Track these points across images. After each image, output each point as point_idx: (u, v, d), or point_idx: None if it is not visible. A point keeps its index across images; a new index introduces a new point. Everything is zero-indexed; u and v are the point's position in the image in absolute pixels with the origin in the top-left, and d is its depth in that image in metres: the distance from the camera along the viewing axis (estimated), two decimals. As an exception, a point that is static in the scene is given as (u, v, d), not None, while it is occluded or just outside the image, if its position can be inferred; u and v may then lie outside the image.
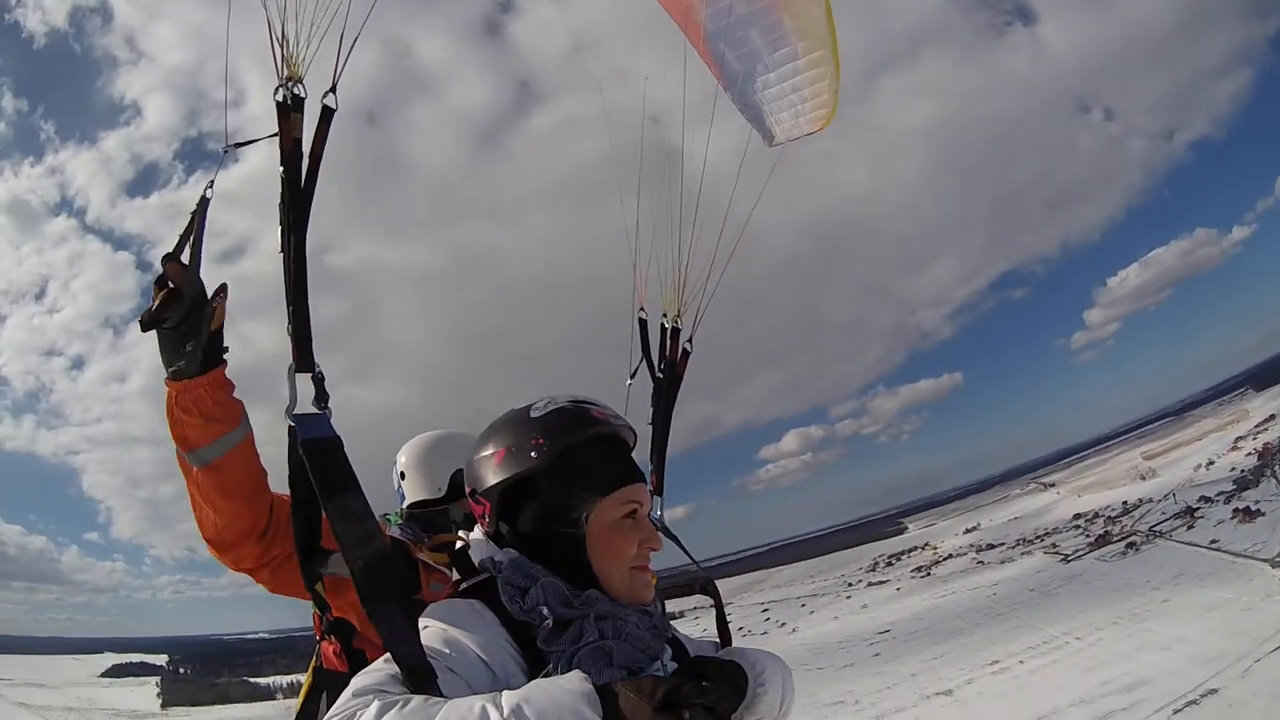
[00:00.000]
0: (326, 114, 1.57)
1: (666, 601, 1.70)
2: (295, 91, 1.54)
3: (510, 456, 1.48)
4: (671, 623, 1.62)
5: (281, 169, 1.53)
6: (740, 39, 2.67)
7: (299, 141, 1.53)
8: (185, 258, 1.68)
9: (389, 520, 2.46)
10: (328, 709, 1.35)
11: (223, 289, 1.72)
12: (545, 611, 1.35)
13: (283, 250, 1.52)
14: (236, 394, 1.83)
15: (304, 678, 2.20)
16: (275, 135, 1.54)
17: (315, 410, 1.47)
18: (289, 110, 1.53)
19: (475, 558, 1.55)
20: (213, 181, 1.71)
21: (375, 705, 1.12)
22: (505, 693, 1.15)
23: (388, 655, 1.23)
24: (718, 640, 1.85)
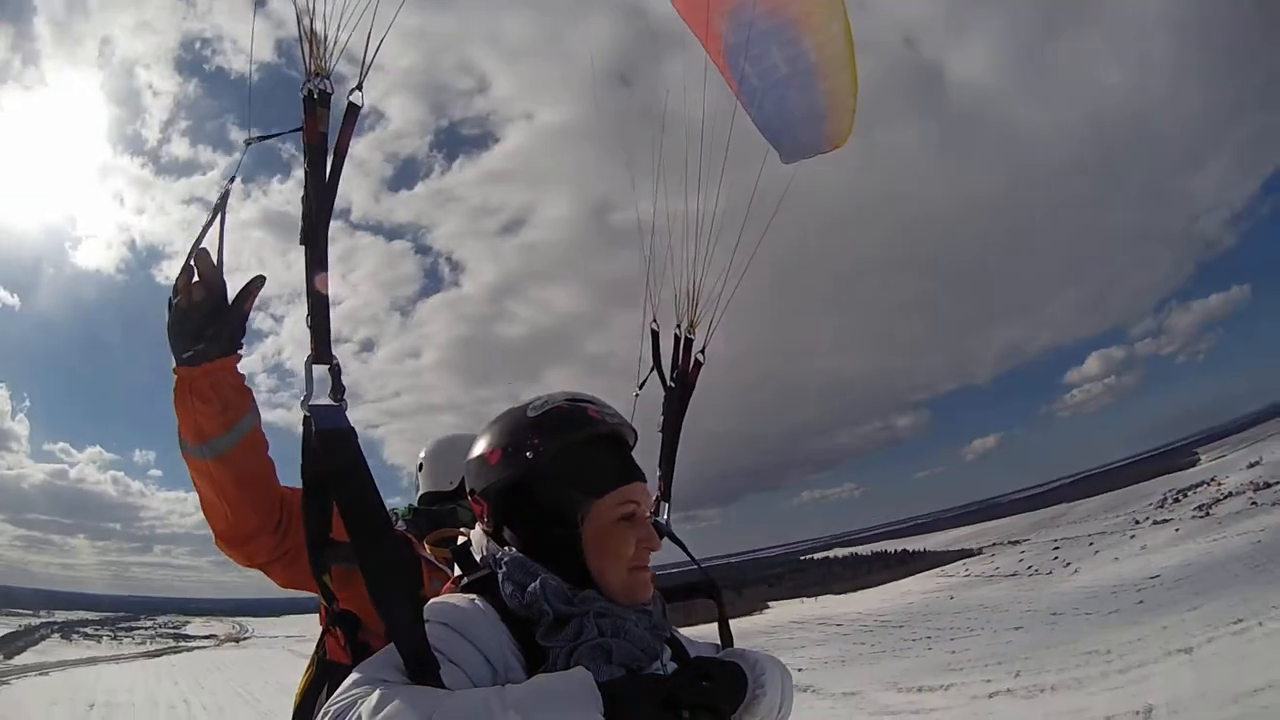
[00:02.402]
0: (352, 110, 1.58)
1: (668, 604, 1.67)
2: (322, 87, 1.55)
3: (507, 457, 1.48)
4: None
5: (305, 163, 1.53)
6: (760, 55, 2.70)
7: (325, 136, 1.53)
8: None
9: (396, 514, 2.47)
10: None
11: (259, 280, 1.73)
12: (545, 607, 1.34)
13: (303, 243, 1.51)
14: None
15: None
16: (299, 130, 1.54)
17: (331, 402, 1.46)
18: (315, 105, 1.54)
19: (476, 555, 1.55)
20: (234, 176, 1.73)
21: (377, 693, 1.11)
22: (508, 686, 1.15)
23: (391, 645, 1.23)
24: (718, 641, 1.85)
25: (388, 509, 2.42)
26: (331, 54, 1.58)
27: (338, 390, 1.47)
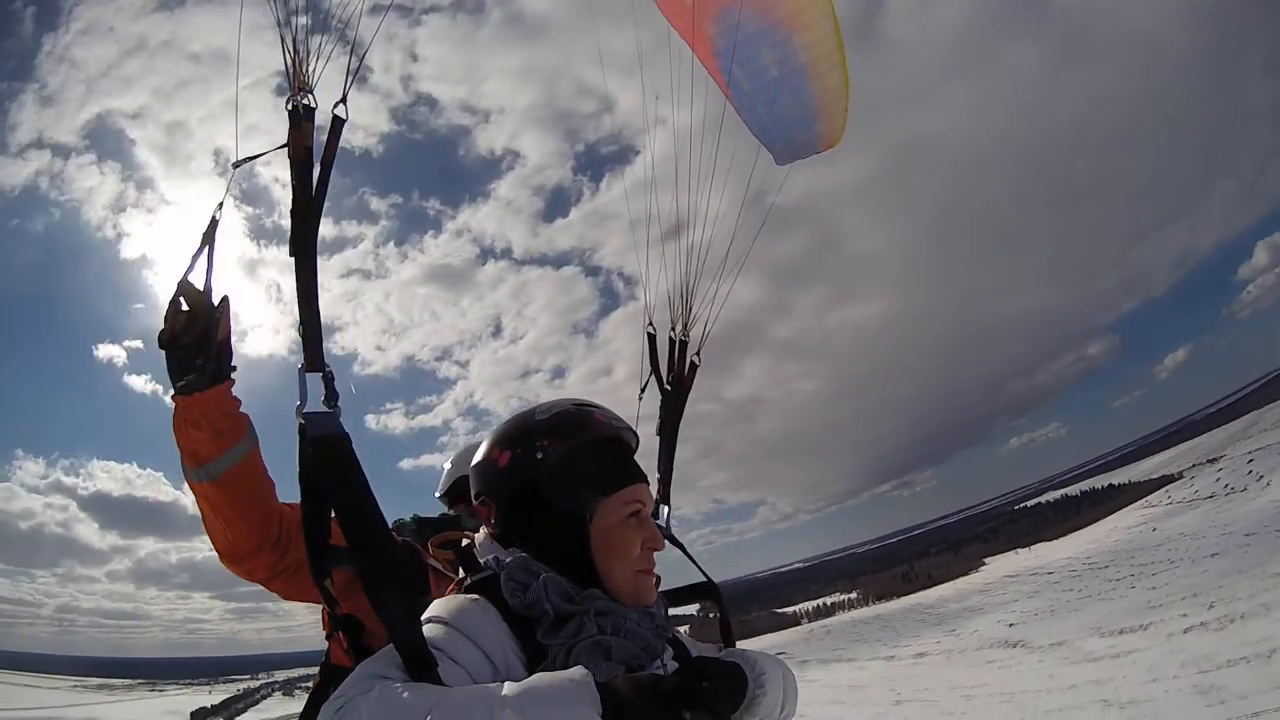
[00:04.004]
0: (337, 124, 1.62)
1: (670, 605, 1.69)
2: (306, 102, 1.59)
3: (516, 459, 1.52)
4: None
5: (292, 176, 1.57)
6: (750, 57, 2.71)
7: (310, 150, 1.57)
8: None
9: (403, 524, 2.50)
10: None
11: (225, 302, 1.76)
12: (546, 606, 1.36)
13: (292, 254, 1.54)
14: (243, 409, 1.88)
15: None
16: (284, 147, 1.58)
17: (325, 409, 1.50)
18: (300, 120, 1.58)
19: (480, 558, 1.56)
20: (222, 203, 1.75)
21: (377, 690, 1.13)
22: (507, 683, 1.15)
23: (390, 644, 1.24)
24: (720, 643, 1.85)
25: (389, 523, 2.48)
26: (315, 69, 1.62)
27: (331, 397, 1.52)
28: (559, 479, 1.49)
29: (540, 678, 1.19)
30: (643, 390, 2.45)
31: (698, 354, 2.54)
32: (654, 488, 2.29)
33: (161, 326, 1.74)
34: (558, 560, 1.45)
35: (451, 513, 2.64)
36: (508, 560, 1.45)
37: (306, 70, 1.62)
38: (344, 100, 1.63)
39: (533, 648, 1.35)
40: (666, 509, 2.30)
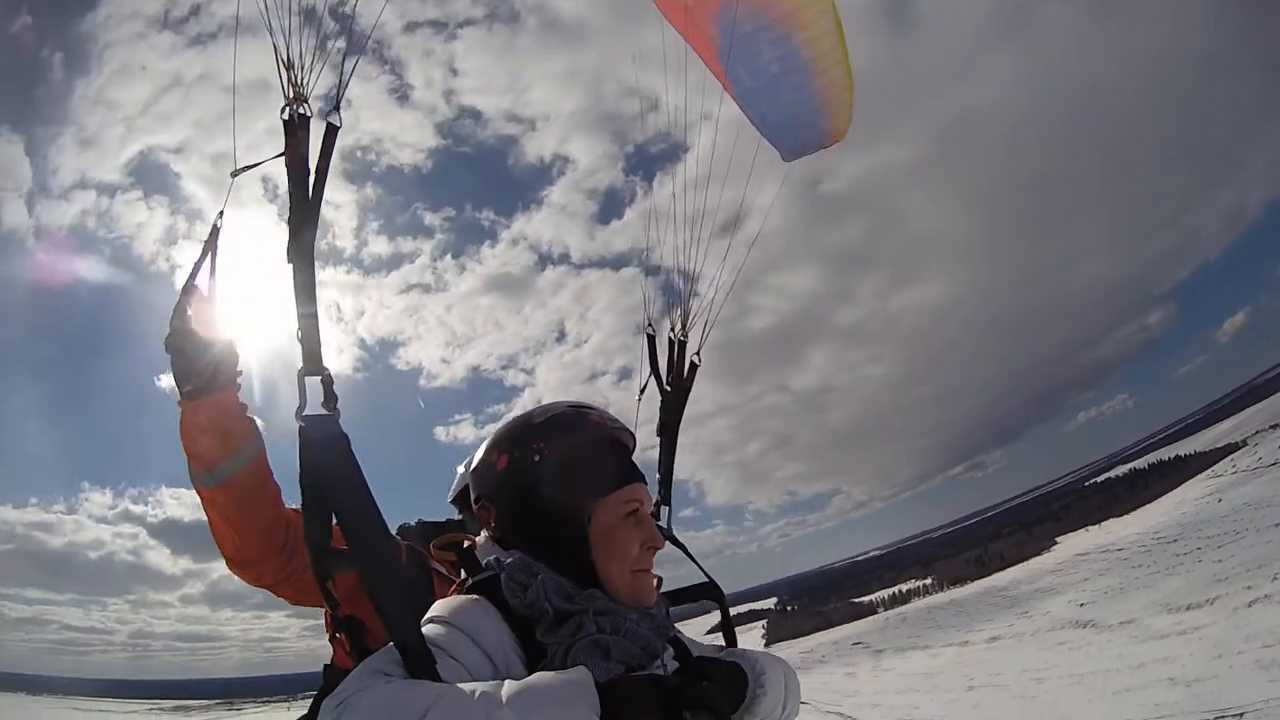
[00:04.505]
0: (331, 131, 1.62)
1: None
2: (301, 111, 1.59)
3: (514, 462, 1.53)
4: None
5: (289, 185, 1.57)
6: (751, 55, 2.70)
7: (305, 158, 1.58)
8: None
9: (407, 528, 2.51)
10: None
11: (228, 308, 1.79)
12: (546, 605, 1.37)
13: (289, 261, 1.54)
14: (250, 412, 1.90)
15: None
16: (281, 155, 1.58)
17: (324, 412, 1.48)
18: (295, 129, 1.58)
19: (481, 559, 1.57)
20: (222, 211, 1.78)
21: (376, 687, 1.14)
22: (506, 681, 1.15)
23: (391, 643, 1.25)
24: (722, 643, 1.84)
25: (394, 529, 2.49)
26: (309, 79, 1.63)
27: (330, 400, 1.49)
28: (557, 480, 1.50)
29: (539, 677, 1.19)
30: (641, 391, 2.45)
31: (698, 354, 2.53)
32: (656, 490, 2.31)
33: (167, 333, 1.77)
34: (558, 561, 1.46)
35: (459, 517, 2.62)
36: (507, 561, 1.46)
37: (301, 80, 1.63)
38: (337, 109, 1.63)
39: (533, 647, 1.36)
40: (667, 509, 2.29)
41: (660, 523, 2.21)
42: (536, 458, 1.51)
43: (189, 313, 1.76)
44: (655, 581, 1.55)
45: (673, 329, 2.54)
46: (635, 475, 1.58)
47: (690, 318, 2.53)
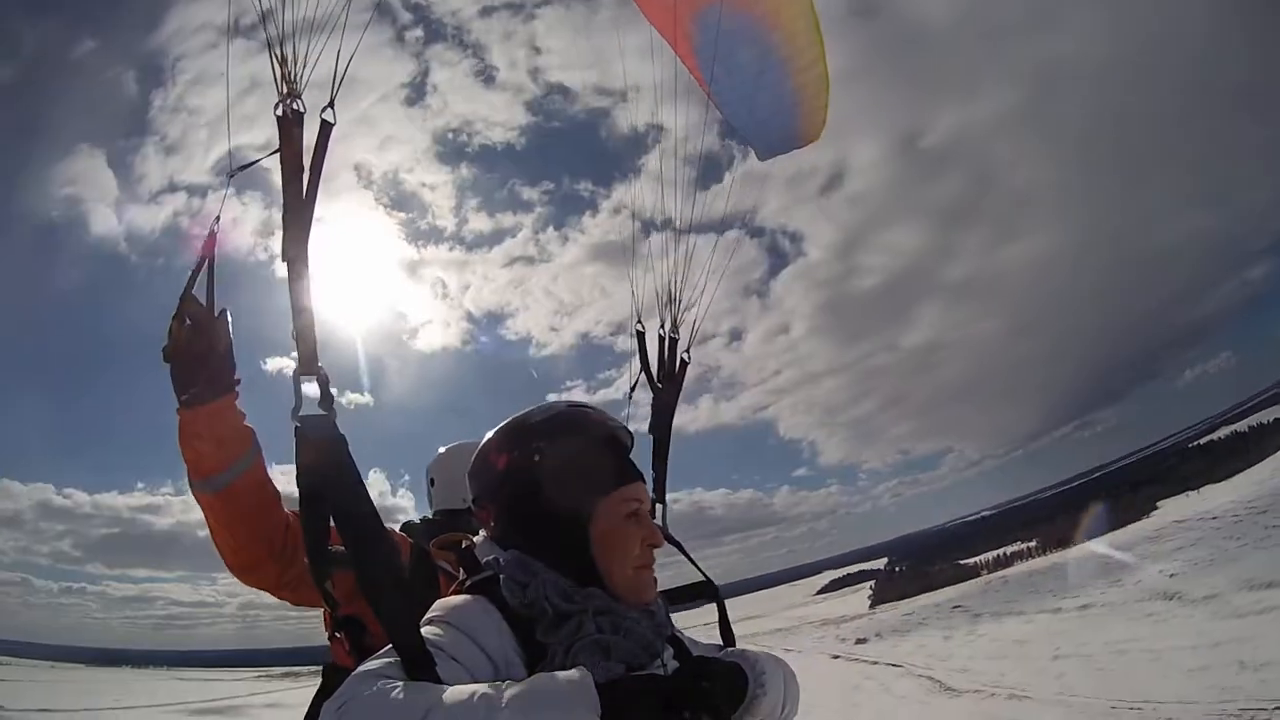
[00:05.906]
0: (325, 128, 1.59)
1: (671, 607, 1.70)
2: (295, 107, 1.57)
3: (514, 462, 1.53)
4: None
5: (283, 181, 1.54)
6: (730, 55, 2.71)
7: (300, 155, 1.56)
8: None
9: (412, 526, 2.50)
10: None
11: (225, 314, 1.77)
12: (546, 605, 1.36)
13: (285, 258, 1.52)
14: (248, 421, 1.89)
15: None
16: (276, 152, 1.56)
17: (320, 412, 1.47)
18: (289, 125, 1.56)
19: (480, 559, 1.56)
20: (218, 216, 1.74)
21: (376, 689, 1.12)
22: (506, 682, 1.14)
23: (390, 645, 1.24)
24: (721, 643, 1.84)
25: (401, 524, 2.51)
26: (303, 74, 1.61)
27: (326, 400, 1.47)
28: (557, 480, 1.49)
29: (539, 678, 1.18)
30: (632, 389, 2.45)
31: (687, 351, 2.53)
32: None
33: (165, 341, 1.75)
34: (557, 560, 1.45)
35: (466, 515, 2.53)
36: (506, 560, 1.45)
37: (295, 75, 1.60)
38: (331, 105, 1.59)
39: (533, 647, 1.34)
40: (661, 508, 2.27)
41: (656, 521, 2.28)
42: (536, 457, 1.51)
43: (186, 321, 1.75)
44: (654, 580, 1.55)
45: (663, 326, 2.54)
46: (635, 474, 1.58)
47: (680, 316, 2.55)
